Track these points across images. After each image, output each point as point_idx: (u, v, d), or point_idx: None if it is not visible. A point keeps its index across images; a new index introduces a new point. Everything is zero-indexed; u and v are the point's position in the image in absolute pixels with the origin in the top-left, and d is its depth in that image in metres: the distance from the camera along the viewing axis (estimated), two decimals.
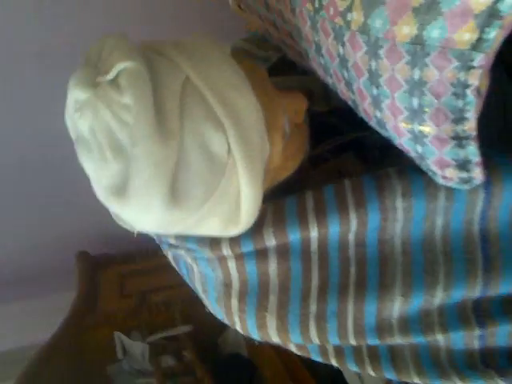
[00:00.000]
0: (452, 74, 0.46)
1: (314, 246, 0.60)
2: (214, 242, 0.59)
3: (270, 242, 0.59)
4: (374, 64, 0.49)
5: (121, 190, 0.50)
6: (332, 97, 0.70)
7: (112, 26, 1.28)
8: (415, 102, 0.49)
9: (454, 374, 0.62)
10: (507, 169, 0.57)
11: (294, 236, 0.59)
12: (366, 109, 0.55)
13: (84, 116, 0.49)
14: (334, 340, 0.63)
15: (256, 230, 0.59)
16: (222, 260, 0.61)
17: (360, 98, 0.54)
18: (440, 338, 0.62)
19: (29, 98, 1.51)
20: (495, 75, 0.61)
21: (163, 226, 0.54)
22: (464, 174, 0.54)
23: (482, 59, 0.45)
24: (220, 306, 0.64)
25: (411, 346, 0.64)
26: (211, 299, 0.65)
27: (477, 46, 0.44)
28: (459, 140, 0.51)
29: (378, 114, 0.54)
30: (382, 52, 0.48)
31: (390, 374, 0.66)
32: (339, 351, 0.67)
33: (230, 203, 0.54)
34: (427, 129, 0.51)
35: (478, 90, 0.48)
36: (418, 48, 0.46)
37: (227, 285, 0.63)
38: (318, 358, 0.69)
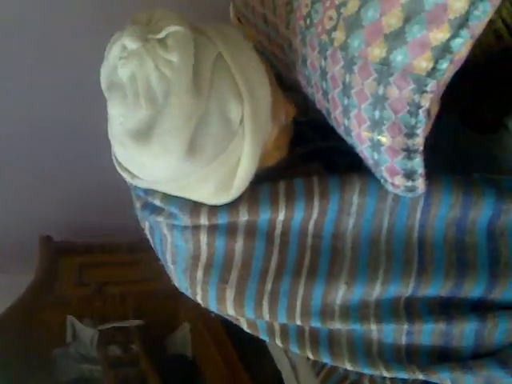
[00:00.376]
0: (409, 94, 0.56)
1: (278, 231, 0.69)
2: (194, 210, 0.67)
3: (243, 217, 0.67)
4: (348, 77, 0.59)
5: (145, 134, 0.57)
6: (309, 110, 0.80)
7: None
8: (377, 114, 0.59)
9: (382, 365, 0.71)
10: (447, 184, 0.68)
11: (264, 216, 0.67)
12: (336, 117, 0.65)
13: (128, 64, 0.56)
14: (282, 318, 0.70)
15: (233, 204, 0.67)
16: (196, 230, 0.68)
17: (333, 106, 0.64)
18: (374, 329, 0.71)
19: None
20: (450, 117, 0.73)
21: (170, 175, 0.61)
22: (409, 183, 0.64)
23: (433, 85, 0.55)
24: (185, 277, 0.71)
25: (348, 334, 0.73)
26: (178, 270, 0.72)
27: (431, 73, 0.54)
28: (408, 152, 0.61)
29: (346, 122, 0.63)
30: (355, 68, 0.58)
31: (326, 358, 0.74)
32: (284, 332, 0.75)
33: (230, 169, 0.63)
34: (384, 139, 0.61)
35: (428, 112, 0.58)
36: (385, 68, 0.56)
37: (195, 257, 0.70)
38: (265, 337, 0.76)
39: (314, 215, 0.68)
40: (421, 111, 0.57)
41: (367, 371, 0.73)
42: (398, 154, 0.61)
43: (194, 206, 0.67)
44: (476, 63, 0.76)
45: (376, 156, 0.63)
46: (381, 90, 0.57)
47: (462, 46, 0.53)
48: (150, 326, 1.67)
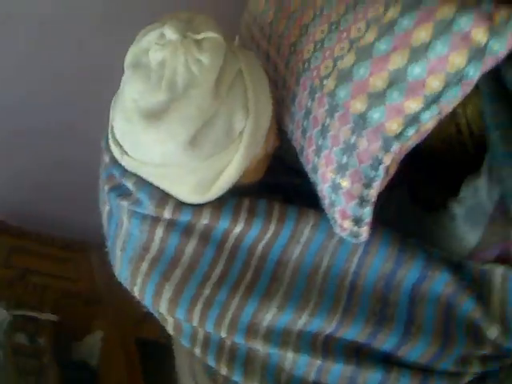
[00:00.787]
0: (375, 149, 0.64)
1: (230, 243, 0.74)
2: (162, 200, 0.70)
3: (204, 220, 0.71)
4: (328, 121, 0.67)
5: (156, 116, 0.61)
6: (283, 148, 0.87)
7: None
8: (345, 159, 0.66)
9: None
10: (386, 237, 0.75)
11: (222, 224, 0.72)
12: (309, 154, 0.72)
13: (163, 50, 0.61)
14: (210, 325, 0.74)
15: (198, 205, 0.71)
16: (154, 223, 0.72)
17: (308, 144, 0.72)
18: (290, 357, 0.75)
19: None
20: (400, 187, 0.82)
21: (164, 159, 0.65)
22: (355, 228, 0.71)
23: (397, 148, 0.63)
24: (130, 266, 0.74)
25: (264, 357, 0.77)
26: (125, 257, 0.75)
27: (398, 136, 0.63)
28: (362, 200, 0.68)
29: (316, 161, 0.71)
30: (336, 114, 0.66)
31: (238, 376, 0.78)
32: (207, 341, 0.78)
33: (215, 173, 0.68)
34: (344, 183, 0.68)
35: (387, 170, 0.66)
36: (361, 122, 0.64)
37: (145, 248, 0.73)
38: (187, 343, 0.79)
39: (267, 236, 0.74)
40: (381, 167, 0.65)
41: None
42: (353, 200, 0.68)
43: (163, 197, 0.71)
44: (434, 147, 0.86)
45: (333, 197, 0.70)
46: (353, 139, 0.65)
47: (429, 120, 0.62)
48: (63, 324, 1.63)
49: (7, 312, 1.53)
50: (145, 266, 0.73)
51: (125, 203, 0.73)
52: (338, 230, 0.73)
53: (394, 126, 0.62)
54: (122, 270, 0.76)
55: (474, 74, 0.57)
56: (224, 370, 0.78)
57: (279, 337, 0.74)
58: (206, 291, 0.72)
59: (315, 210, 0.75)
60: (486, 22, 0.56)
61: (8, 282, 1.64)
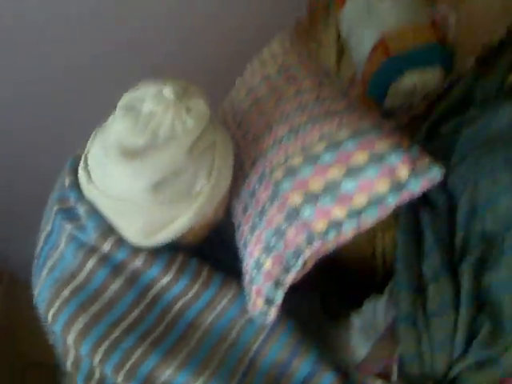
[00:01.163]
0: (300, 240, 0.73)
1: (153, 292, 0.78)
2: (105, 233, 0.76)
3: (137, 262, 0.77)
4: (267, 205, 0.76)
5: (131, 155, 0.68)
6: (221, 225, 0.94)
7: None
8: (273, 241, 0.75)
9: None
10: (290, 324, 0.82)
11: (153, 272, 0.77)
12: (244, 230, 0.81)
13: (157, 103, 0.70)
14: (109, 367, 0.74)
15: (137, 248, 0.77)
16: (89, 253, 0.76)
17: (245, 221, 0.80)
18: None
19: None
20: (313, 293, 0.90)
21: (126, 195, 0.71)
22: (265, 308, 0.77)
23: (318, 245, 0.72)
24: (52, 288, 0.76)
25: None
26: (50, 278, 0.77)
27: (321, 235, 0.72)
28: (277, 283, 0.76)
29: (248, 237, 0.79)
30: (276, 202, 0.75)
31: None
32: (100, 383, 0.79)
33: (166, 220, 0.74)
34: (267, 263, 0.76)
35: (305, 262, 0.75)
36: (294, 214, 0.73)
37: (73, 275, 0.76)
38: (81, 381, 0.79)
39: (189, 295, 0.79)
40: (301, 257, 0.74)
41: None
42: (270, 280, 0.76)
43: (108, 230, 0.76)
44: (349, 263, 0.97)
45: (254, 273, 0.78)
46: (284, 226, 0.74)
47: (349, 229, 0.72)
48: None
49: None
50: (67, 291, 0.75)
51: (68, 226, 0.78)
52: (250, 307, 0.79)
53: (320, 225, 0.72)
54: (41, 290, 0.78)
55: (392, 201, 0.69)
56: None
57: None
58: (116, 333, 0.74)
59: (238, 283, 0.82)
60: (411, 164, 0.69)
61: None
